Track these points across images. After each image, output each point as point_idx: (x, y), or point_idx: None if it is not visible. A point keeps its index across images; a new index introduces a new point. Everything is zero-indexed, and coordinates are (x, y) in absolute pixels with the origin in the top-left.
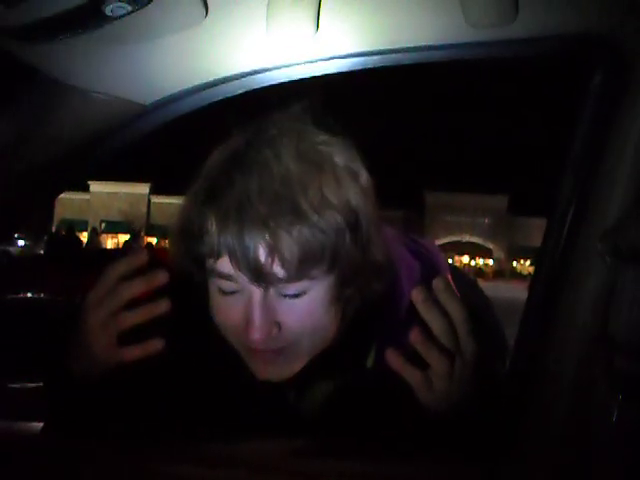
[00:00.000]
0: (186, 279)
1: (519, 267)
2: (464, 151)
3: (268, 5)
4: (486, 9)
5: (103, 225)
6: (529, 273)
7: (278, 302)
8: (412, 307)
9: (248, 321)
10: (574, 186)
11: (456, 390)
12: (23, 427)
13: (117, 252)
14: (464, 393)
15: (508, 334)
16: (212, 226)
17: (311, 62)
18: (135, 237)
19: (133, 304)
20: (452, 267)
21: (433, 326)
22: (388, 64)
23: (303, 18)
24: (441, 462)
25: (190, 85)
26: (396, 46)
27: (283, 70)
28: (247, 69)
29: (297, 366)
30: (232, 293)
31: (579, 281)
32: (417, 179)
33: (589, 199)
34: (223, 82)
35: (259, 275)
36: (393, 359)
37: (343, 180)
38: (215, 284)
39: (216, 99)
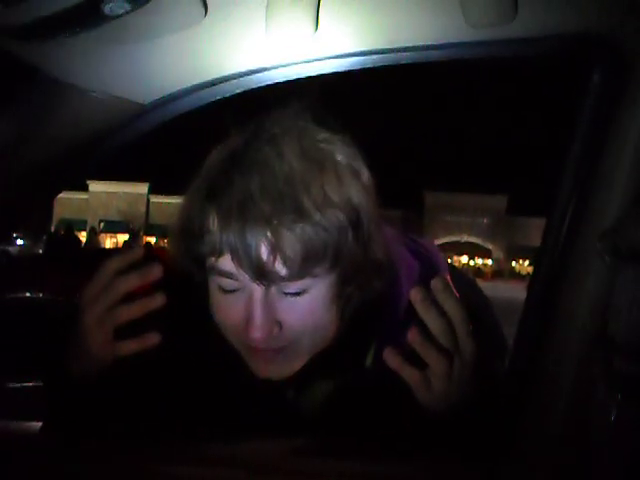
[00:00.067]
0: (186, 277)
1: (518, 267)
2: (463, 151)
3: (267, 5)
4: (485, 9)
5: (102, 225)
6: (528, 273)
7: (279, 300)
8: (411, 307)
9: (249, 320)
10: (573, 186)
11: (455, 390)
12: (22, 427)
13: (116, 252)
14: (463, 393)
15: (507, 334)
16: (214, 224)
17: (310, 61)
18: (134, 237)
19: (130, 299)
20: (451, 267)
21: (431, 326)
22: (387, 63)
23: (302, 18)
24: (441, 462)
25: (189, 84)
26: (395, 45)
27: (282, 69)
28: (246, 68)
29: (297, 365)
30: (233, 291)
31: (578, 281)
32: (416, 179)
33: (588, 199)
34: (222, 81)
35: (261, 273)
36: (392, 359)
37: (345, 178)
38: (215, 282)
39: (215, 98)
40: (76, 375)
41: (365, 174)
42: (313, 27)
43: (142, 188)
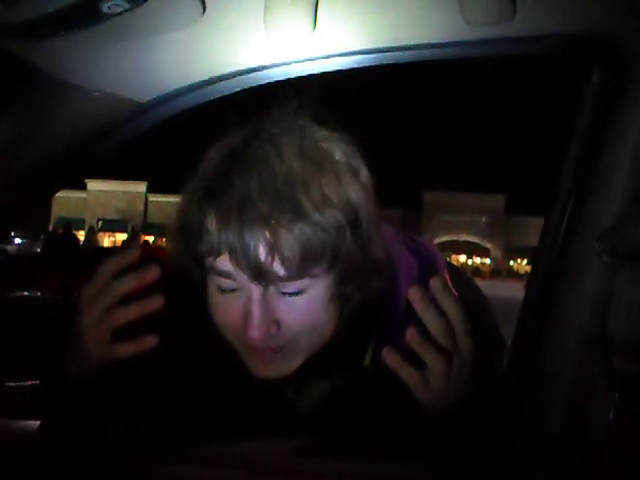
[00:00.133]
0: (184, 277)
1: (516, 266)
2: (462, 150)
3: (266, 3)
4: (485, 8)
5: (100, 223)
6: (526, 272)
7: (277, 300)
8: (410, 306)
9: (247, 319)
10: (572, 185)
11: (454, 389)
12: (20, 426)
13: (114, 251)
14: (462, 392)
15: (505, 333)
16: (212, 224)
17: (309, 60)
18: (133, 236)
19: (128, 301)
20: (450, 266)
21: (430, 325)
22: (386, 62)
23: (301, 15)
24: (440, 462)
25: (188, 83)
26: (395, 44)
27: (281, 68)
28: (245, 67)
29: (295, 364)
30: (231, 291)
31: (576, 280)
32: (415, 178)
33: (587, 198)
34: (221, 80)
35: (259, 273)
36: (390, 358)
37: (344, 177)
38: (214, 282)
39: (214, 97)
40: (75, 374)
41: (364, 173)
42: (312, 25)
43: (140, 187)
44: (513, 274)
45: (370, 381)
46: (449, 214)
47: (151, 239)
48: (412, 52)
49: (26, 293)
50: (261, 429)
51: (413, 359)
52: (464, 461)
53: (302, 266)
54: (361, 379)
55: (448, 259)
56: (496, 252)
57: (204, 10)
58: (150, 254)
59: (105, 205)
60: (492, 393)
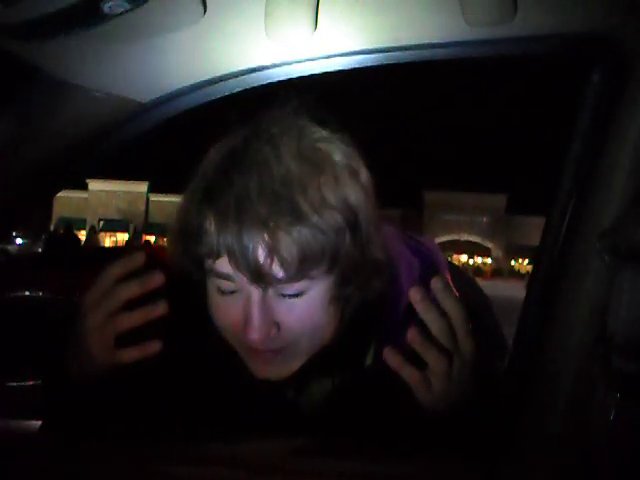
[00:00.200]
0: (185, 278)
1: (517, 266)
2: (463, 150)
3: (266, 3)
4: (485, 8)
5: (101, 223)
6: (527, 272)
7: (277, 302)
8: (411, 306)
9: (247, 321)
10: (573, 185)
11: (455, 389)
12: (21, 425)
13: (116, 250)
14: (463, 392)
15: (507, 333)
16: (211, 226)
17: (310, 60)
18: (135, 236)
19: (131, 305)
20: (451, 266)
21: (431, 325)
22: (387, 62)
23: (302, 16)
24: (441, 462)
25: (188, 83)
26: (396, 44)
27: (282, 68)
28: (246, 67)
29: (295, 365)
30: (231, 293)
31: (577, 280)
32: (416, 178)
33: (588, 198)
34: (222, 80)
35: (258, 275)
36: (391, 358)
37: (343, 179)
38: (214, 284)
39: (215, 97)
40: (76, 374)
41: (364, 174)
42: (313, 27)
43: (141, 187)
44: (514, 274)
45: (371, 381)
46: (450, 214)
47: (152, 239)
48: (413, 52)
49: (27, 293)
50: (262, 430)
51: (414, 359)
52: (464, 461)
53: (301, 268)
54: (362, 379)
55: (449, 259)
56: (497, 252)
57: (205, 10)
58: (153, 257)
59: (106, 205)
60: (493, 393)
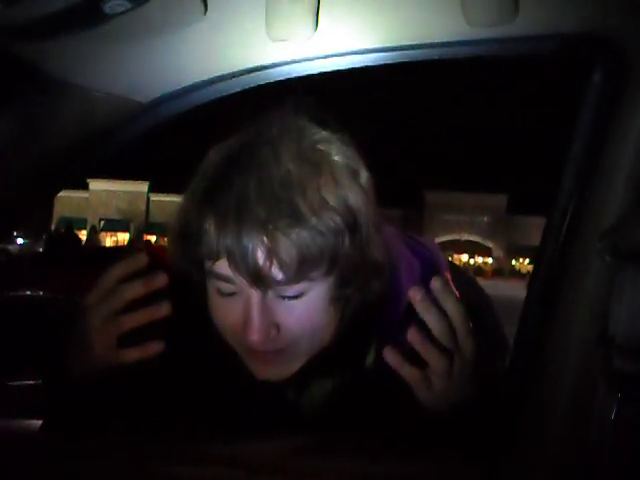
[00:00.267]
0: (185, 279)
1: (518, 266)
2: (464, 150)
3: (267, 3)
4: (486, 8)
5: (102, 223)
6: (528, 272)
7: (277, 304)
8: (412, 306)
9: (247, 323)
10: (573, 185)
11: (455, 389)
12: (22, 425)
13: (117, 250)
14: (463, 392)
15: (508, 333)
16: (211, 227)
17: (310, 60)
18: (137, 236)
19: (133, 306)
20: (452, 265)
21: (431, 325)
22: (388, 62)
23: (302, 15)
24: (441, 461)
25: (189, 83)
26: (396, 44)
27: (282, 68)
28: (246, 67)
29: (296, 366)
30: (231, 295)
31: (578, 280)
32: (417, 178)
33: (588, 198)
34: (222, 80)
35: (258, 278)
36: (391, 357)
37: (342, 180)
38: (214, 285)
39: (215, 97)
40: (76, 374)
41: (364, 175)
42: (313, 25)
43: (142, 186)
44: (515, 273)
45: (372, 381)
46: (451, 214)
47: (153, 239)
48: (413, 52)
49: (28, 292)
50: (262, 430)
51: (415, 359)
52: (465, 460)
53: (300, 270)
54: (363, 379)
55: (450, 259)
56: (498, 252)
57: (206, 10)
58: (154, 257)
59: (107, 205)
60: (493, 392)
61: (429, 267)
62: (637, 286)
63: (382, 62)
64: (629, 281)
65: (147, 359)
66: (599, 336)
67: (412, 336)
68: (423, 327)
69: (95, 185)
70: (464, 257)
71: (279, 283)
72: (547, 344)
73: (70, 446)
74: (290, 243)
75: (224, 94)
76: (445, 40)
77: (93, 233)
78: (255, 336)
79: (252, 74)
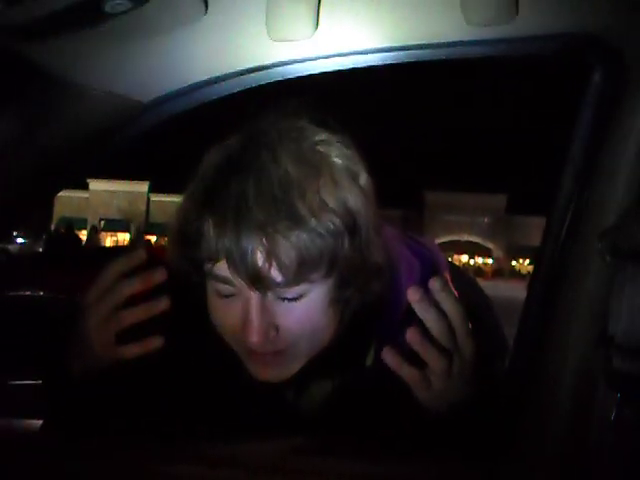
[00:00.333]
0: (184, 281)
1: (518, 266)
2: (464, 150)
3: (268, 2)
4: (486, 8)
5: (102, 223)
6: (528, 272)
7: (276, 305)
8: (411, 306)
9: (246, 324)
10: (573, 185)
11: (455, 389)
12: (22, 424)
13: (117, 250)
14: (463, 392)
15: (508, 333)
16: (210, 229)
17: (310, 60)
18: (138, 235)
19: (132, 302)
20: (452, 266)
21: (430, 325)
22: (388, 62)
23: (303, 15)
24: (441, 462)
25: (189, 82)
26: (396, 44)
27: (282, 68)
28: (246, 66)
29: (296, 367)
30: (230, 296)
31: (578, 280)
32: (416, 178)
33: (588, 198)
34: (223, 79)
35: (257, 280)
36: (391, 358)
37: (342, 182)
38: (213, 287)
39: (215, 97)
40: (77, 373)
41: (363, 176)
42: (313, 25)
43: (142, 186)
44: (515, 274)
45: (371, 382)
46: (451, 214)
47: (153, 239)
48: (413, 52)
49: (28, 292)
50: (262, 430)
51: (414, 359)
52: (464, 461)
53: (299, 272)
54: (362, 380)
55: (450, 259)
56: (498, 252)
57: (206, 10)
58: (154, 255)
59: (107, 205)
60: (493, 393)
61: (429, 268)
62: (637, 286)
63: (382, 62)
64: (629, 281)
65: (147, 358)
66: (599, 336)
67: (411, 336)
68: (422, 327)
69: (95, 185)
70: (464, 258)
71: (278, 285)
72: (547, 344)
73: (70, 446)
74: (289, 245)
75: (224, 94)
76: (445, 40)
77: (93, 233)
78: (254, 338)
79: (252, 74)
